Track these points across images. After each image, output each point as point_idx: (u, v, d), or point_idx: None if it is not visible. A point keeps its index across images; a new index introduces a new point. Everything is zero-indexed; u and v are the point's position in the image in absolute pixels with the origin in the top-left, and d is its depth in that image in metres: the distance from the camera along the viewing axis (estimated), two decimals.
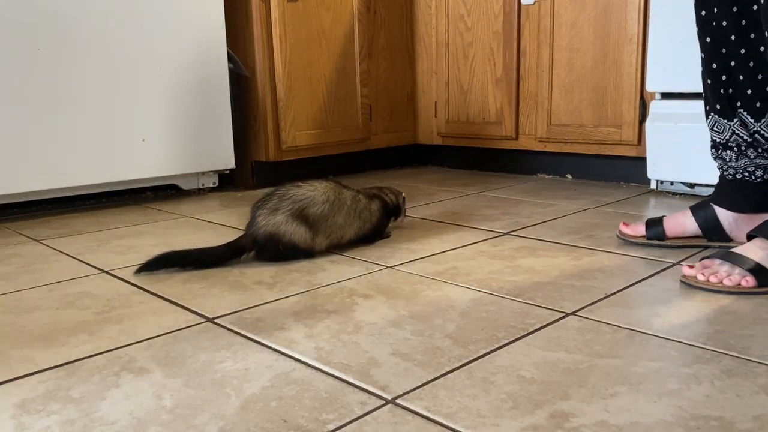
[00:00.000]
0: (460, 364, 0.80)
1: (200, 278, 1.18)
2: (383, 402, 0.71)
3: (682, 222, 1.29)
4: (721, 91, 1.21)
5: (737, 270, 1.04)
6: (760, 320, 0.91)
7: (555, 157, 2.20)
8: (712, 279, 1.04)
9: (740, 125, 1.21)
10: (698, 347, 0.83)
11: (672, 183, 1.83)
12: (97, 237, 1.53)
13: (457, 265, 1.22)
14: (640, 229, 1.33)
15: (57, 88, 1.72)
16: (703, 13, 1.20)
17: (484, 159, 2.41)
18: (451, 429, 0.65)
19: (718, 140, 1.25)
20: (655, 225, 1.31)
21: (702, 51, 1.23)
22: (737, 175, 1.25)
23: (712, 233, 1.27)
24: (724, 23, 1.17)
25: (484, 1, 2.22)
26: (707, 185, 1.75)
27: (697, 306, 0.97)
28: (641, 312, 0.95)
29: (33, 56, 1.67)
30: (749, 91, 1.19)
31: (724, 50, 1.19)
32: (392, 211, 1.44)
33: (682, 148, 1.74)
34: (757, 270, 1.04)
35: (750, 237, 1.11)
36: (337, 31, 2.20)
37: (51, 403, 0.73)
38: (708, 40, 1.20)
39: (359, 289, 1.09)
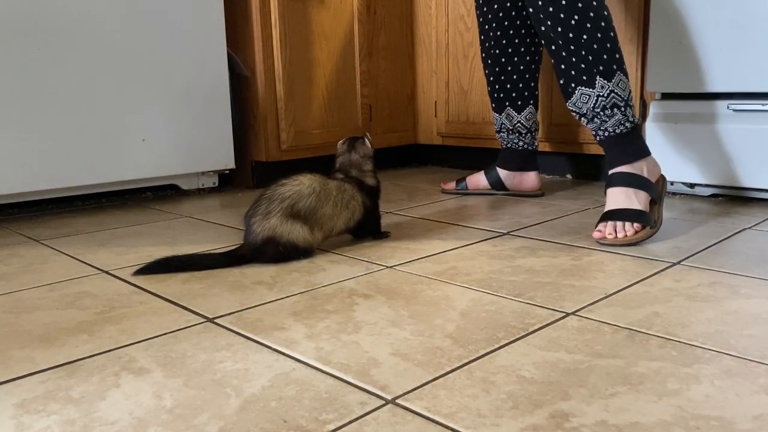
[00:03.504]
0: (460, 364, 0.80)
1: (200, 278, 1.18)
2: (383, 402, 0.71)
3: (478, 179, 1.92)
4: (495, 95, 1.86)
5: (627, 222, 1.33)
6: (760, 320, 0.91)
7: (555, 157, 2.20)
8: (620, 235, 1.31)
9: (506, 117, 1.86)
10: (698, 347, 0.83)
11: (672, 183, 1.82)
12: (97, 237, 1.53)
13: (457, 265, 1.22)
14: (452, 185, 1.97)
15: (57, 88, 1.72)
16: (487, 44, 1.83)
17: (484, 159, 2.41)
18: (451, 429, 0.65)
19: (495, 127, 1.91)
20: (461, 181, 1.95)
21: (485, 69, 1.87)
22: (508, 145, 1.88)
23: (497, 186, 1.90)
24: (498, 51, 1.81)
25: None
26: (707, 185, 1.75)
27: (697, 306, 0.97)
28: (641, 312, 0.95)
29: (33, 56, 1.67)
30: (513, 94, 1.84)
31: (497, 68, 1.83)
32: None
33: (682, 148, 1.74)
34: (637, 215, 1.33)
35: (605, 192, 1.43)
36: (337, 31, 2.20)
37: (51, 403, 0.73)
38: (489, 62, 1.84)
39: (359, 289, 1.09)
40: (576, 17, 1.40)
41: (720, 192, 1.76)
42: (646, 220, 1.33)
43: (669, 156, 1.76)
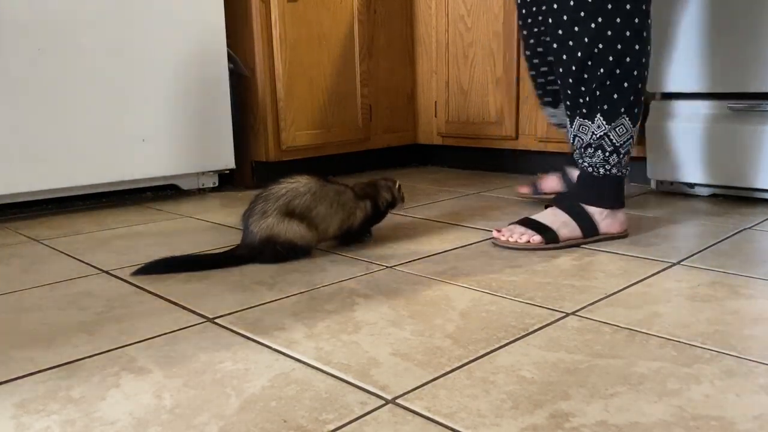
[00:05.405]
0: (460, 364, 0.80)
1: (200, 278, 1.18)
2: (383, 402, 0.71)
3: (554, 181, 1.75)
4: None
5: (529, 231, 1.31)
6: (760, 320, 0.91)
7: (555, 157, 2.20)
8: (510, 239, 1.32)
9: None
10: (698, 347, 0.83)
11: (672, 183, 1.82)
12: (97, 237, 1.53)
13: (457, 265, 1.22)
14: (527, 188, 1.82)
15: (57, 88, 1.72)
16: (532, 41, 1.54)
17: (484, 159, 2.41)
18: (451, 429, 0.65)
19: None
20: (534, 184, 1.81)
21: (539, 65, 1.57)
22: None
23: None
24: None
25: (484, 1, 2.22)
26: (707, 185, 1.75)
27: (697, 306, 0.97)
28: (641, 312, 0.95)
29: (33, 56, 1.67)
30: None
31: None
32: (385, 209, 1.39)
33: (682, 148, 1.74)
34: (543, 229, 1.31)
35: (547, 207, 1.39)
36: (337, 31, 2.20)
37: (51, 403, 0.73)
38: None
39: (359, 289, 1.09)
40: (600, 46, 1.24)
41: (720, 192, 1.76)
42: (544, 234, 1.30)
43: (669, 156, 1.76)
